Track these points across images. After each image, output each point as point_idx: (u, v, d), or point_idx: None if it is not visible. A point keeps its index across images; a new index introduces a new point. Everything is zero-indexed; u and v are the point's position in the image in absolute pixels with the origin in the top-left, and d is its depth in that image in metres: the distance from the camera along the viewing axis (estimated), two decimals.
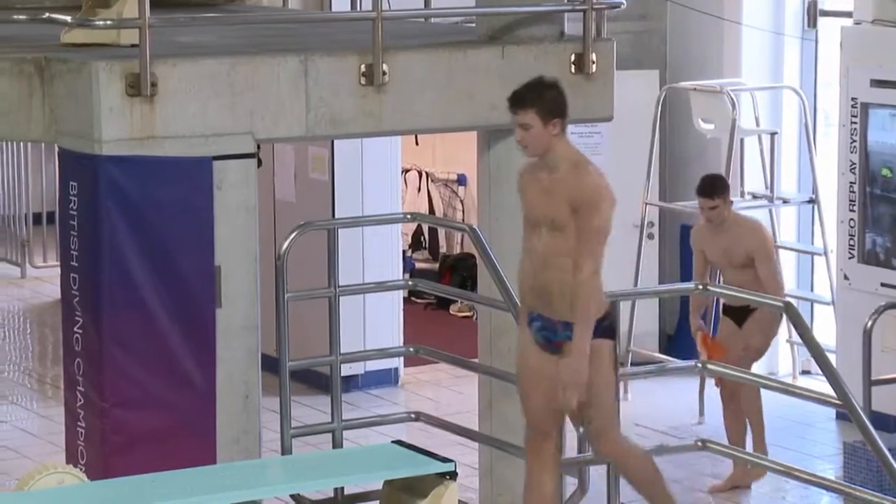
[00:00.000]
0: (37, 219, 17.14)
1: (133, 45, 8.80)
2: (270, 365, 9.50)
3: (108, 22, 9.20)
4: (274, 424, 9.52)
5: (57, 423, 9.74)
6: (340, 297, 10.41)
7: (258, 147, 9.22)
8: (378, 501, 8.80)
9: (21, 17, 9.62)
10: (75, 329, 9.08)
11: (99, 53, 8.94)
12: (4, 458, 11.11)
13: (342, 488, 9.35)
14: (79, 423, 9.07)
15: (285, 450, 9.51)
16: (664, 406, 13.73)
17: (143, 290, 8.88)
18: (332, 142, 12.92)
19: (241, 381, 9.18)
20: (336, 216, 13.48)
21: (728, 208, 12.15)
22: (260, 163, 9.32)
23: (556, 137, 7.45)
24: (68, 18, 9.27)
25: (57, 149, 9.34)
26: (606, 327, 7.43)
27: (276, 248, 9.45)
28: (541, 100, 7.43)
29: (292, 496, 9.27)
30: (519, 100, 7.47)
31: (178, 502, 8.11)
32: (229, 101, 9.03)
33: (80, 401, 9.05)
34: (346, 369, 10.67)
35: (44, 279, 16.11)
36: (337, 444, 9.76)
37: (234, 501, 8.52)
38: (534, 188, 7.64)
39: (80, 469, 8.65)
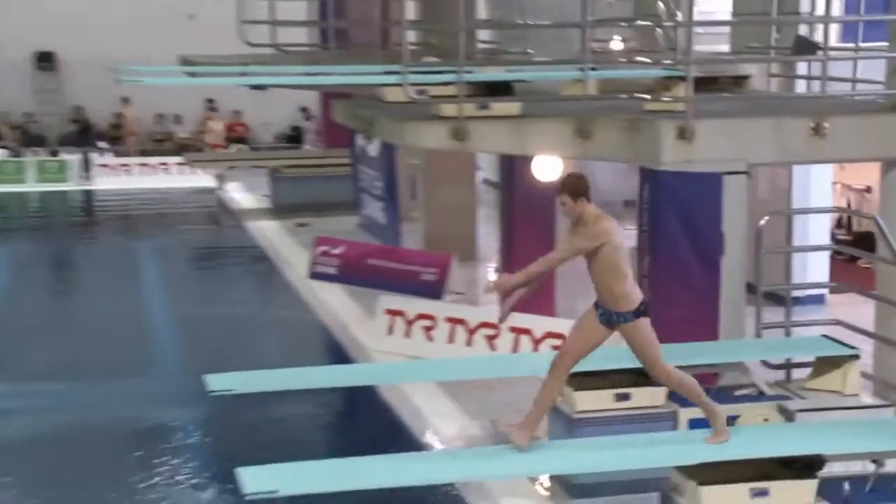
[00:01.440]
0: (625, 203, 17.31)
1: (681, 112, 8.87)
2: (750, 289, 9.34)
3: (670, 98, 9.32)
4: (750, 321, 9.32)
5: None
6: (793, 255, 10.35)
7: (748, 167, 9.12)
8: (812, 368, 8.81)
9: (623, 96, 9.76)
10: (644, 263, 9.23)
11: (662, 116, 9.01)
12: None
13: (790, 359, 9.15)
14: None
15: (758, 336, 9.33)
16: None
17: (682, 244, 8.95)
18: (791, 166, 12.71)
19: (734, 296, 9.10)
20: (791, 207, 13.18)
21: None
22: (749, 176, 9.22)
23: (585, 208, 6.83)
24: (647, 97, 9.51)
25: (638, 167, 9.45)
26: (642, 311, 6.79)
27: (755, 224, 9.39)
28: (569, 187, 6.83)
29: (762, 361, 9.12)
30: (557, 189, 6.91)
31: (693, 360, 8.33)
32: (732, 140, 9.01)
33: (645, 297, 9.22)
34: (794, 293, 10.42)
35: (627, 235, 15.98)
36: (787, 334, 9.58)
37: (724, 361, 8.72)
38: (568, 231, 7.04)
39: None
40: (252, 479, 6.39)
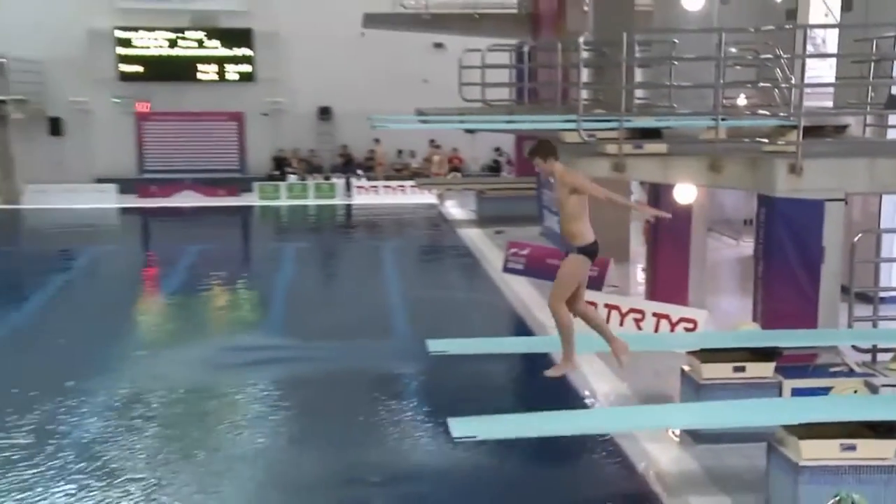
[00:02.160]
0: (745, 222, 16.57)
1: (793, 152, 8.43)
2: (845, 290, 8.82)
3: (784, 142, 8.89)
4: (844, 315, 8.69)
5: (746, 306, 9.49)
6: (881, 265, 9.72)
7: (845, 195, 8.68)
8: (894, 353, 8.27)
9: (746, 140, 9.33)
10: (759, 269, 8.87)
11: (777, 155, 8.58)
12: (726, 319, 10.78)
13: (876, 346, 8.61)
14: (758, 306, 8.85)
15: (850, 327, 8.71)
16: None
17: (790, 254, 8.53)
18: (882, 195, 11.93)
19: (831, 295, 8.57)
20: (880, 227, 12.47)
21: None
22: (846, 202, 8.75)
23: (553, 166, 6.34)
24: (766, 141, 9.13)
25: (757, 194, 9.10)
26: (586, 250, 6.29)
27: (851, 240, 8.88)
28: (538, 151, 6.38)
29: (853, 346, 8.64)
30: (530, 153, 6.43)
31: (797, 343, 7.97)
32: (833, 175, 8.41)
33: (759, 294, 8.81)
34: (881, 294, 9.75)
35: (746, 246, 15.05)
36: (874, 326, 8.92)
37: (822, 345, 8.26)
38: (554, 187, 6.56)
39: (757, 325, 8.65)
40: (458, 426, 6.38)
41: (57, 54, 25.65)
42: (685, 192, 10.49)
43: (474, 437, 6.27)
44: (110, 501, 7.35)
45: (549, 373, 6.81)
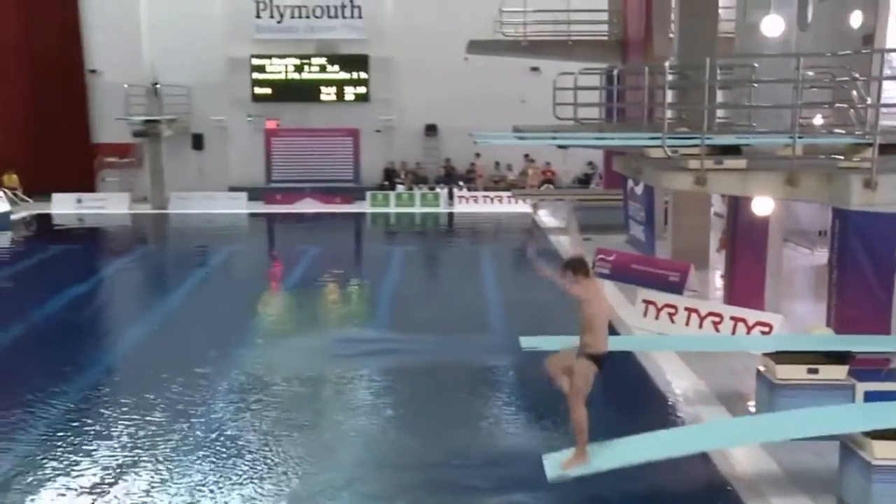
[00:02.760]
0: (819, 233, 15.91)
1: (868, 168, 7.90)
2: None
3: (859, 159, 8.39)
4: None
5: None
6: None
7: None
8: None
9: (822, 157, 8.98)
10: (832, 277, 8.56)
11: (853, 171, 8.14)
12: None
13: None
14: (831, 311, 8.48)
15: None
16: None
17: (863, 263, 8.23)
18: None
19: None
20: None
21: None
22: None
23: (580, 278, 6.44)
24: (841, 157, 8.75)
25: (831, 207, 8.80)
26: (594, 358, 6.41)
27: None
28: (569, 268, 6.49)
29: None
30: (563, 267, 6.53)
31: (869, 347, 7.67)
32: None
33: (833, 301, 8.53)
34: None
35: (820, 255, 14.44)
36: None
37: (890, 349, 7.85)
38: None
39: (830, 330, 8.23)
40: (553, 464, 6.24)
41: (202, 79, 26.93)
42: (763, 205, 10.18)
43: (567, 476, 6.13)
44: (231, 472, 7.56)
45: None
